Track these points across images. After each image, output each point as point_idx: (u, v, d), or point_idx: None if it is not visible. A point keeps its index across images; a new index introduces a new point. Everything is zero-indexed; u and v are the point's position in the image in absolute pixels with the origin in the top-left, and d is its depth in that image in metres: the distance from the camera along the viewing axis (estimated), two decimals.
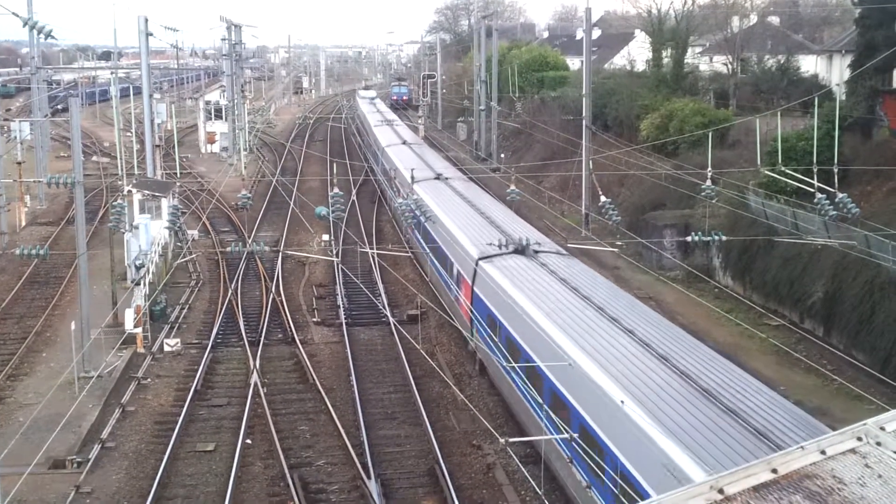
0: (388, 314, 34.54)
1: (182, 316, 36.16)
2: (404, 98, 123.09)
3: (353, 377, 29.37)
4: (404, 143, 58.68)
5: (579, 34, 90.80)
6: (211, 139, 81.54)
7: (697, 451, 14.98)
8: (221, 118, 79.47)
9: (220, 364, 31.32)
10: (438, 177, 43.73)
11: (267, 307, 36.53)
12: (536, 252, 27.84)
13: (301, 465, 23.74)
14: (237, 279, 40.16)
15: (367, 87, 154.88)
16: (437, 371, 28.31)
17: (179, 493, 22.47)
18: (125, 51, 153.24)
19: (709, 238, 28.07)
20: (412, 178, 40.33)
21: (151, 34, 47.79)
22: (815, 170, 28.63)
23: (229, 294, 37.90)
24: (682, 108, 49.61)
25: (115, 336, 30.80)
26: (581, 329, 21.03)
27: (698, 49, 65.83)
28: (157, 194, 41.94)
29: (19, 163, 50.11)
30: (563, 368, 19.93)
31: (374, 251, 38.92)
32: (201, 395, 28.48)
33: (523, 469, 21.55)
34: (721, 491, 5.77)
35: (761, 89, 53.94)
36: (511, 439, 19.45)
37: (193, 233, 46.75)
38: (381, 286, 38.75)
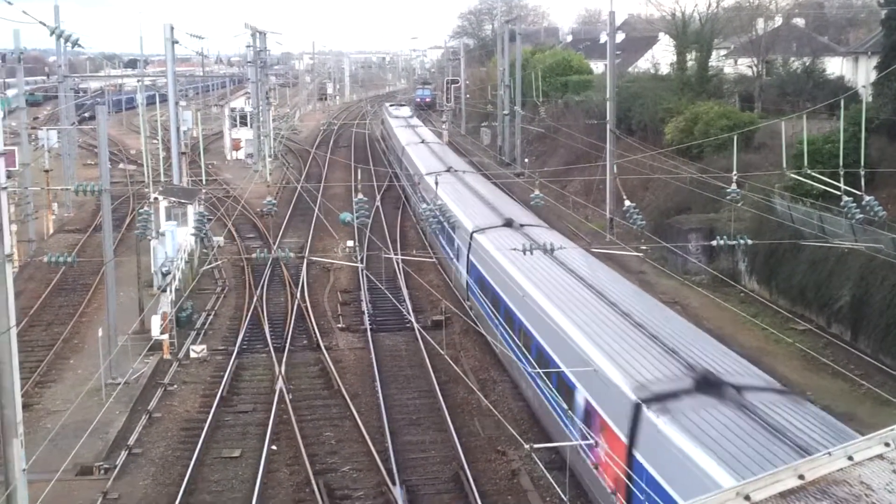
0: (413, 320, 34.53)
1: (208, 322, 36.31)
2: (427, 99, 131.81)
3: (377, 383, 29.39)
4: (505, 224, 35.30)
5: (603, 38, 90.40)
6: (236, 146, 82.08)
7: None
8: (246, 125, 79.98)
9: (246, 370, 31.42)
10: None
11: (292, 313, 36.61)
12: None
13: (326, 471, 23.76)
14: (262, 285, 40.28)
15: (398, 104, 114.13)
16: (461, 377, 28.29)
17: (206, 500, 22.56)
18: (151, 59, 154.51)
19: (734, 242, 27.78)
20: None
21: (177, 42, 48.07)
22: (842, 172, 28.37)
23: (255, 300, 38.03)
24: (707, 111, 49.32)
25: (141, 343, 30.97)
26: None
27: (723, 52, 65.47)
28: (183, 201, 42.18)
29: (47, 171, 50.56)
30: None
31: (399, 256, 38.94)
32: (227, 401, 28.57)
33: (548, 475, 21.47)
34: (748, 497, 5.73)
35: (787, 92, 53.54)
36: (536, 445, 19.37)
37: (219, 239, 47.03)
38: (405, 292, 38.76)
